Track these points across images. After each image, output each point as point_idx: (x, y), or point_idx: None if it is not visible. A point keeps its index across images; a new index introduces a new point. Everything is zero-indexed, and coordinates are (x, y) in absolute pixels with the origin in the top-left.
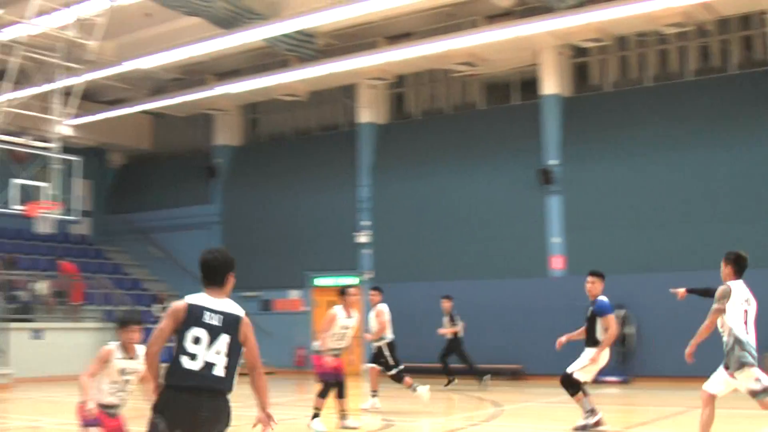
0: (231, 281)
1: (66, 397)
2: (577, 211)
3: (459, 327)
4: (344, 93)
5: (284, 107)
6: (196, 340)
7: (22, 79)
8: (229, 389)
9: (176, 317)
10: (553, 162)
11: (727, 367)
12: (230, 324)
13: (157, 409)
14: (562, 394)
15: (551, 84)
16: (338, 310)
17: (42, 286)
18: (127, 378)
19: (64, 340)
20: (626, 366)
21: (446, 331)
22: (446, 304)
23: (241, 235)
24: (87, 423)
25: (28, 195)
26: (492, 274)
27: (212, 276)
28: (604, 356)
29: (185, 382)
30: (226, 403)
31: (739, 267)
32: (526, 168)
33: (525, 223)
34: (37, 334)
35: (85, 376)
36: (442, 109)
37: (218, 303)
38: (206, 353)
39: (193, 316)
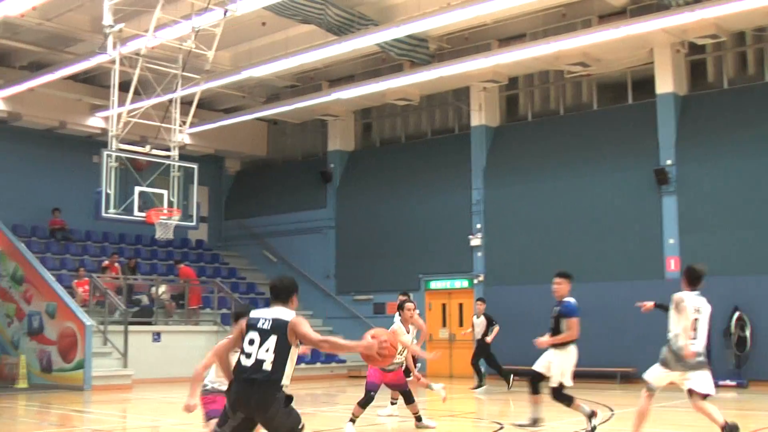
0: (295, 301)
1: (183, 398)
2: (692, 212)
3: (495, 331)
4: (457, 96)
5: (397, 112)
6: (251, 342)
7: (143, 89)
8: (278, 380)
9: (240, 329)
10: (668, 162)
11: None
12: (278, 327)
13: (227, 396)
14: (675, 398)
15: (666, 82)
16: (399, 325)
17: (161, 290)
18: None
19: (181, 342)
20: (742, 370)
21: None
22: (480, 307)
23: (355, 239)
24: (210, 415)
25: (148, 202)
26: (606, 276)
27: (276, 296)
28: (571, 355)
29: (242, 375)
30: (275, 391)
31: (690, 278)
32: (642, 168)
33: (640, 225)
34: (156, 336)
35: (199, 367)
36: (556, 111)
37: (272, 311)
38: (257, 352)
39: (252, 324)
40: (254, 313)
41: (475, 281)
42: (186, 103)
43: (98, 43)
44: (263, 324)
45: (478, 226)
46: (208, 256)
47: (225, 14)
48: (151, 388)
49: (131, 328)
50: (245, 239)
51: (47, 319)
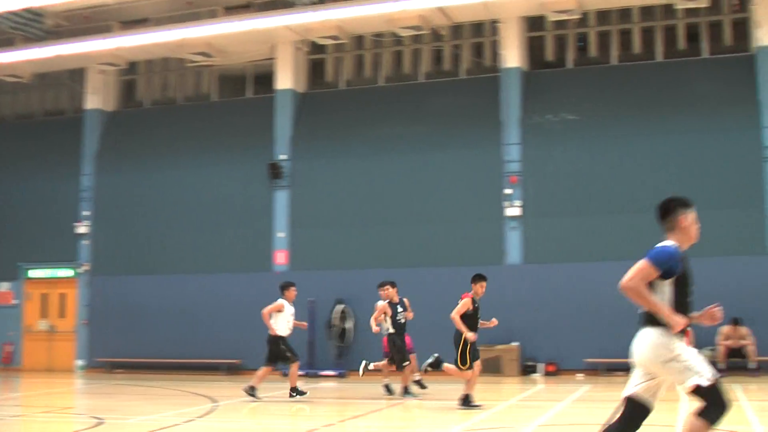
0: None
1: None
2: (303, 207)
3: None
4: (72, 77)
5: (6, 89)
6: None
7: None
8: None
9: None
10: (282, 157)
11: None
12: None
13: None
14: (284, 389)
15: (286, 79)
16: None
17: None
18: None
19: None
20: (343, 360)
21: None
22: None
23: None
24: None
25: None
26: (217, 267)
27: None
28: None
29: None
30: None
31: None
32: (257, 162)
33: (253, 218)
34: None
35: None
36: (175, 99)
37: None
38: None
39: None
40: None
41: (80, 270)
42: None
43: None
44: None
45: (86, 213)
46: None
47: None
48: None
49: None
50: None
51: None
